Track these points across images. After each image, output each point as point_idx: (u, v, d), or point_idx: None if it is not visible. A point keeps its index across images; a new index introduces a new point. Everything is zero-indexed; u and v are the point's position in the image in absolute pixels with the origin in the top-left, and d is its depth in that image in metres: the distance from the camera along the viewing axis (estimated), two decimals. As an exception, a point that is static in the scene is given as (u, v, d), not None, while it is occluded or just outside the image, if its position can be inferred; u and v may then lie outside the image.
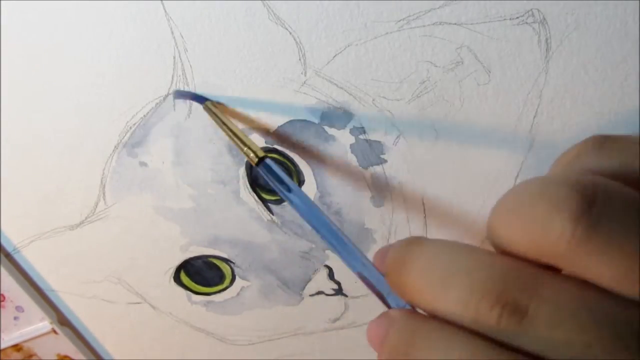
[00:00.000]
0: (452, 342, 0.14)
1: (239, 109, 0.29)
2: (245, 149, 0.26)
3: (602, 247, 0.12)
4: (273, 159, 0.30)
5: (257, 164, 0.25)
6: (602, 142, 0.15)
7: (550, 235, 0.13)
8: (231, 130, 0.26)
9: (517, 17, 0.24)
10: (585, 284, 0.13)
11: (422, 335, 0.14)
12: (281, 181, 0.25)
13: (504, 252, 0.14)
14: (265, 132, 0.29)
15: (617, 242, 0.12)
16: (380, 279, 0.19)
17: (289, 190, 0.25)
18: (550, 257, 0.13)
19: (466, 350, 0.13)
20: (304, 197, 0.24)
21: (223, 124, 0.27)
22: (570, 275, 0.13)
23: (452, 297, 0.14)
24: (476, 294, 0.13)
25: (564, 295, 0.13)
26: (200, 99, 0.28)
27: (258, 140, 0.30)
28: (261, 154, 0.25)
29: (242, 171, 0.31)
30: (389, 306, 0.18)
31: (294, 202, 0.24)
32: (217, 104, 0.28)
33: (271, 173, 0.25)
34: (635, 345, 0.12)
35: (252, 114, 0.29)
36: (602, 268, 0.12)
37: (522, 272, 0.13)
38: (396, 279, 0.16)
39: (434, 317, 0.14)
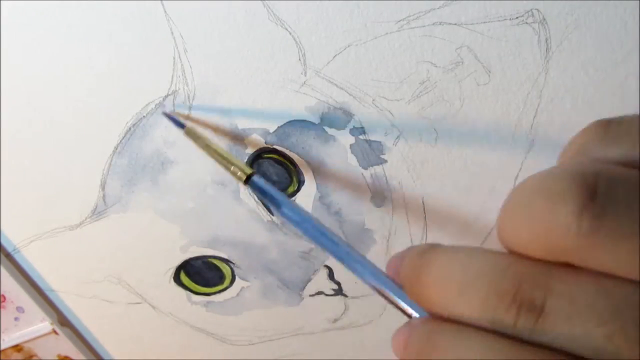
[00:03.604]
0: (473, 342, 0.14)
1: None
2: (232, 168, 0.25)
3: (612, 237, 0.12)
4: (273, 159, 0.30)
5: (246, 182, 0.25)
6: (606, 127, 0.15)
7: (555, 232, 0.12)
8: (216, 152, 0.26)
9: (517, 17, 0.24)
10: (600, 275, 0.12)
11: (443, 337, 0.14)
12: (272, 197, 0.24)
13: (515, 253, 0.14)
14: (265, 132, 0.29)
15: (627, 229, 0.12)
16: (394, 287, 0.19)
17: (280, 205, 0.24)
18: (560, 255, 0.13)
19: (486, 348, 0.13)
20: (298, 210, 0.24)
21: (207, 146, 0.27)
22: (585, 267, 0.13)
23: (470, 303, 0.14)
24: (492, 298, 0.13)
25: (579, 288, 0.12)
26: (179, 124, 0.28)
27: (258, 141, 0.30)
28: (248, 171, 0.25)
29: (242, 171, 0.31)
30: (409, 315, 0.18)
31: (287, 215, 0.24)
32: (194, 130, 0.28)
33: (260, 190, 0.25)
34: None
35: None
36: (614, 258, 0.12)
37: (534, 269, 0.13)
38: (414, 289, 0.16)
39: (455, 321, 0.14)
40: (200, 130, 0.28)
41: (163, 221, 0.34)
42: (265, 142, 0.30)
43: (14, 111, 0.30)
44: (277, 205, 0.24)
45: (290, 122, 0.29)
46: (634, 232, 0.12)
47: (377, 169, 0.30)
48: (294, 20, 0.26)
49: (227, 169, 0.25)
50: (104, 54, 0.28)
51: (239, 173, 0.25)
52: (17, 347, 0.45)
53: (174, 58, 0.27)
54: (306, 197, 0.31)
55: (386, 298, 0.19)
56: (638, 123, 0.14)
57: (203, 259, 0.35)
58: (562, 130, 0.27)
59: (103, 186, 0.33)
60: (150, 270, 0.36)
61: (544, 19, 0.24)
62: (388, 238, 0.32)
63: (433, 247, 0.16)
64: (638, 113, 0.26)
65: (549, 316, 0.12)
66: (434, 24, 0.25)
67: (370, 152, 0.29)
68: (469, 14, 0.24)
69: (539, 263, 0.13)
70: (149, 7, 0.26)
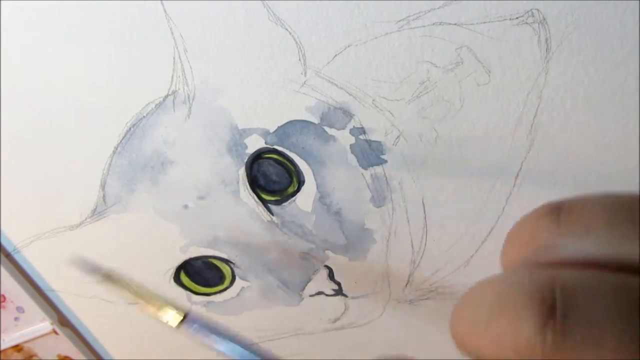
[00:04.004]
0: None
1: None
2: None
3: (575, 347, 0.12)
4: (273, 159, 0.30)
5: (178, 326, 0.26)
6: (557, 215, 0.15)
7: (521, 350, 0.13)
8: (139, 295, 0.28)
9: (517, 17, 0.24)
10: None
11: None
12: (214, 332, 0.26)
13: None
14: (265, 132, 0.29)
15: (589, 336, 0.12)
16: None
17: (221, 340, 0.25)
18: None
19: None
20: (234, 346, 0.25)
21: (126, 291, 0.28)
22: None
23: None
24: None
25: None
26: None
27: (258, 141, 0.30)
28: (182, 313, 0.26)
29: (242, 172, 0.31)
30: None
31: (226, 351, 0.25)
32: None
33: (202, 328, 0.26)
34: None
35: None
36: None
37: None
38: None
39: None
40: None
41: (163, 221, 0.34)
42: (265, 142, 0.30)
43: (14, 111, 0.30)
44: (219, 341, 0.26)
45: (290, 122, 0.29)
46: (596, 340, 0.12)
47: (377, 169, 0.30)
48: (294, 20, 0.26)
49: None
50: (104, 54, 0.28)
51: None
52: (17, 347, 0.45)
53: (174, 58, 0.27)
54: (306, 197, 0.31)
55: None
56: (589, 209, 0.15)
57: (203, 259, 0.35)
58: (562, 130, 0.27)
59: (103, 186, 0.33)
60: (150, 270, 0.36)
61: (544, 19, 0.24)
62: (388, 238, 0.32)
63: None
64: (638, 125, 0.26)
65: None
66: (434, 24, 0.25)
67: (370, 152, 0.29)
68: (469, 14, 0.24)
69: None
70: (149, 7, 0.26)
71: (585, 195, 0.15)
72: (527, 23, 0.24)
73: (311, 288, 0.36)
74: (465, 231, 0.31)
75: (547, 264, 0.15)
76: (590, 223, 0.14)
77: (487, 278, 0.14)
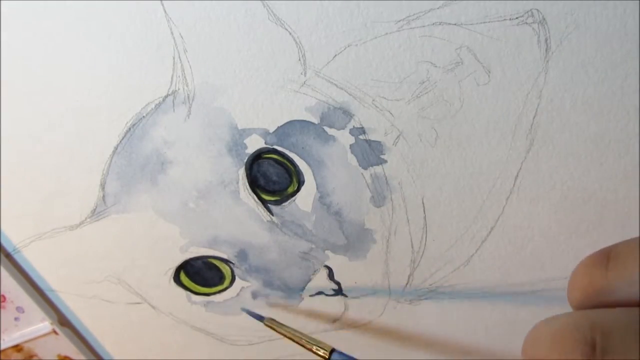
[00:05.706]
0: None
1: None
2: (314, 348, 0.31)
3: None
4: (273, 159, 0.30)
5: (328, 359, 0.31)
6: (606, 262, 0.17)
7: None
8: (297, 337, 0.32)
9: (517, 17, 0.24)
10: None
11: None
12: None
13: None
14: (265, 132, 0.29)
15: None
16: None
17: None
18: None
19: None
20: None
21: (287, 334, 0.33)
22: None
23: None
24: None
25: None
26: (259, 317, 0.35)
27: (258, 141, 0.30)
28: (329, 348, 0.31)
29: (242, 172, 0.31)
30: None
31: None
32: (272, 320, 0.35)
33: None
34: None
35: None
36: None
37: None
38: None
39: None
40: (276, 322, 0.35)
41: (163, 221, 0.34)
42: (265, 142, 0.30)
43: (14, 111, 0.30)
44: None
45: (290, 122, 0.29)
46: None
47: (377, 169, 0.30)
48: (294, 20, 0.26)
49: (310, 350, 0.31)
50: (104, 54, 0.28)
51: (322, 352, 0.31)
52: (17, 347, 0.45)
53: (174, 58, 0.27)
54: (306, 197, 0.31)
55: None
56: (633, 256, 0.17)
57: (203, 259, 0.35)
58: (562, 130, 0.27)
59: (103, 186, 0.33)
60: (150, 270, 0.36)
61: (544, 19, 0.24)
62: (388, 238, 0.32)
63: None
64: (638, 125, 0.26)
65: None
66: (434, 24, 0.25)
67: (370, 152, 0.29)
68: (469, 14, 0.24)
69: None
70: (149, 7, 0.26)
71: (629, 241, 0.17)
72: (527, 23, 0.24)
73: (311, 288, 0.36)
74: (465, 231, 0.31)
75: (596, 307, 0.17)
76: (633, 269, 0.16)
77: (551, 317, 0.17)
